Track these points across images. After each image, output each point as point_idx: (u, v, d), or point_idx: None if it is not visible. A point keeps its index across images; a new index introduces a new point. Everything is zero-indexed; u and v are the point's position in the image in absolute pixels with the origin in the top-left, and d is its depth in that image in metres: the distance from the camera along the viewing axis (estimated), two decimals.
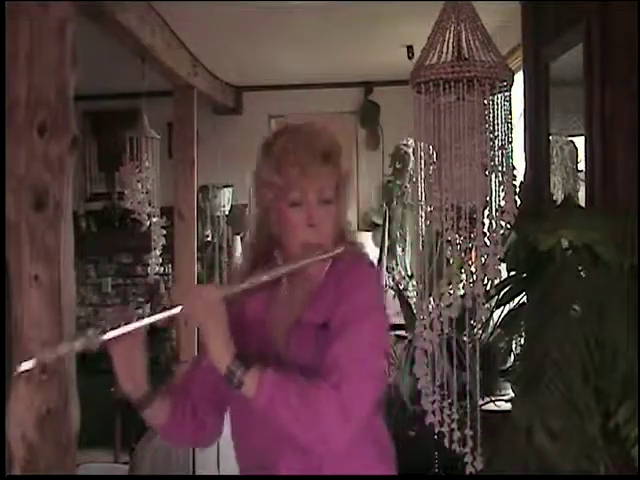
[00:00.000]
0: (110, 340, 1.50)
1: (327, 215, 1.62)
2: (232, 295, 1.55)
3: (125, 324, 1.51)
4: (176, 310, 1.49)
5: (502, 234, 2.20)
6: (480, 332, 3.03)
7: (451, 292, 2.22)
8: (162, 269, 5.36)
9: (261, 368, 1.49)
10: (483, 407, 2.98)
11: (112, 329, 1.50)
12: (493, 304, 2.86)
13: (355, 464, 1.63)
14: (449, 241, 2.18)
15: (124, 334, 1.51)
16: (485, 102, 2.15)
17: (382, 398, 1.77)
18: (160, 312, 1.51)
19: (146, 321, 1.52)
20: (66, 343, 1.59)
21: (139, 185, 4.39)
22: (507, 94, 2.19)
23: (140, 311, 1.55)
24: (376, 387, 1.60)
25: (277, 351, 1.64)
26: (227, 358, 1.48)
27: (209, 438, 1.76)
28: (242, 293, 1.59)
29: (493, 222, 2.18)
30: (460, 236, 2.18)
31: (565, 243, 2.38)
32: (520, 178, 2.67)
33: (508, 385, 3.26)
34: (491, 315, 3.16)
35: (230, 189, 6.21)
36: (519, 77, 3.25)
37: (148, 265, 4.68)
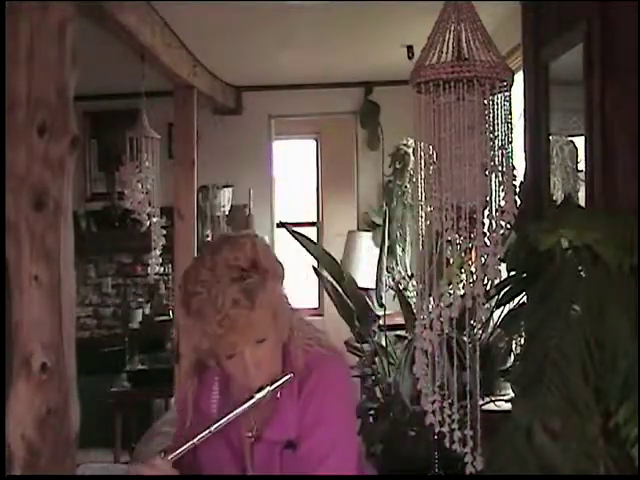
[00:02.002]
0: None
1: (267, 351, 1.57)
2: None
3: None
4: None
5: (502, 234, 2.20)
6: (480, 332, 3.03)
7: (451, 292, 2.21)
8: (162, 269, 5.35)
9: None
10: (483, 407, 2.98)
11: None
12: (493, 304, 2.86)
13: None
14: (449, 241, 2.18)
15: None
16: (485, 102, 2.15)
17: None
18: None
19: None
20: None
21: (139, 185, 4.38)
22: (507, 94, 2.19)
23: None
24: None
25: (243, 462, 1.65)
26: None
27: None
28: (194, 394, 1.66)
29: (493, 222, 2.18)
30: (460, 236, 2.18)
31: (565, 243, 2.38)
32: (520, 178, 2.67)
33: (508, 385, 3.26)
34: (491, 315, 3.16)
35: (230, 189, 6.21)
36: (519, 77, 3.25)
37: (148, 265, 4.67)
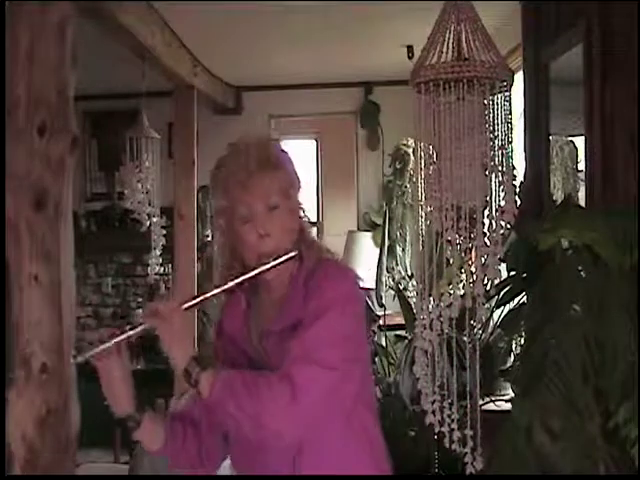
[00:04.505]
0: (95, 361, 1.63)
1: (276, 221, 1.66)
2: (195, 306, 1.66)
3: (100, 343, 1.62)
4: (143, 326, 1.63)
5: (502, 234, 2.20)
6: (480, 332, 3.03)
7: (451, 292, 2.22)
8: (162, 269, 5.35)
9: (216, 368, 1.58)
10: (483, 407, 2.98)
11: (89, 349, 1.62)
12: (493, 304, 2.86)
13: (340, 458, 1.66)
14: (449, 241, 2.18)
15: (102, 353, 1.62)
16: (485, 102, 2.15)
17: (375, 400, 1.82)
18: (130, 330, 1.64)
19: (119, 339, 1.64)
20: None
21: (139, 185, 4.39)
22: (507, 94, 2.19)
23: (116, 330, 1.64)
24: (331, 376, 1.58)
25: (260, 360, 1.70)
26: (184, 360, 1.58)
27: (215, 461, 1.81)
28: (223, 307, 1.78)
29: (493, 222, 2.18)
30: (460, 236, 2.18)
31: (565, 243, 2.38)
32: (520, 178, 2.67)
33: (508, 385, 3.26)
34: (491, 315, 3.16)
35: None
36: (519, 77, 3.25)
37: (148, 265, 4.68)
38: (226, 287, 1.66)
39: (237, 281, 1.66)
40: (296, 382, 1.52)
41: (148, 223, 4.44)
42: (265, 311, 1.73)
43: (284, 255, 1.65)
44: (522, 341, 2.98)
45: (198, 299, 1.66)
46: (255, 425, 1.53)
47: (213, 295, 1.67)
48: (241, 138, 1.73)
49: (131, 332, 1.63)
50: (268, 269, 1.65)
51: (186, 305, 1.64)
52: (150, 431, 1.69)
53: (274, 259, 1.64)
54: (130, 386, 1.71)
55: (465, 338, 2.27)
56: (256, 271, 1.65)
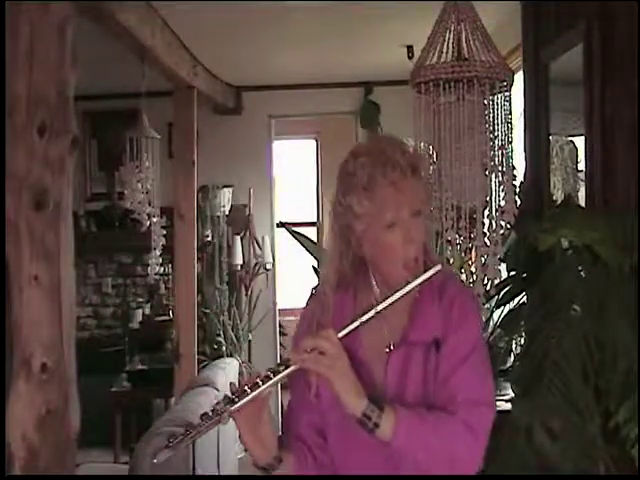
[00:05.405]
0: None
1: (420, 227, 1.60)
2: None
3: (250, 389, 1.50)
4: (293, 367, 1.49)
5: (502, 234, 2.20)
6: None
7: None
8: (162, 269, 5.35)
9: (393, 408, 1.50)
10: None
11: (238, 398, 1.49)
12: (493, 304, 2.86)
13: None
14: (449, 241, 2.18)
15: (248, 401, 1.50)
16: (485, 102, 2.15)
17: None
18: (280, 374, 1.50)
19: (269, 384, 1.50)
20: (197, 425, 1.52)
21: (139, 185, 4.38)
22: (507, 94, 2.19)
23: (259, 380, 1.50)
24: (493, 410, 1.61)
25: (371, 374, 1.62)
26: (361, 404, 1.49)
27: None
28: (329, 312, 1.62)
29: (493, 222, 2.18)
30: (460, 236, 2.18)
31: (565, 243, 2.38)
32: (520, 178, 2.67)
33: (508, 385, 3.26)
34: (491, 315, 3.16)
35: (230, 189, 6.21)
36: (519, 77, 3.25)
37: (148, 265, 4.67)
38: (380, 308, 1.54)
39: (390, 301, 1.54)
40: (471, 425, 1.53)
41: (148, 223, 4.44)
42: (387, 317, 1.60)
43: (428, 269, 1.57)
44: (522, 341, 2.98)
45: (353, 325, 1.53)
46: (446, 467, 1.54)
47: (370, 319, 1.53)
48: (380, 136, 1.65)
49: (277, 378, 1.49)
50: (420, 284, 1.56)
51: (343, 333, 1.52)
52: (284, 464, 1.59)
53: (417, 275, 1.56)
54: (273, 428, 1.59)
55: None
56: (409, 287, 1.54)
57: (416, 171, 1.58)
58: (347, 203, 1.58)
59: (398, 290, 1.55)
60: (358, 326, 1.53)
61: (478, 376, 1.59)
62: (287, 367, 1.50)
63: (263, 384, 1.50)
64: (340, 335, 1.51)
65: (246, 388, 1.50)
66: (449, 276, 1.68)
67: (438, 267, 1.58)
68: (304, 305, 1.75)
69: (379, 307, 1.54)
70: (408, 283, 1.55)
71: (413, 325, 1.62)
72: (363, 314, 1.54)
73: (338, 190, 1.62)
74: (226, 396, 1.51)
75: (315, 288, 1.74)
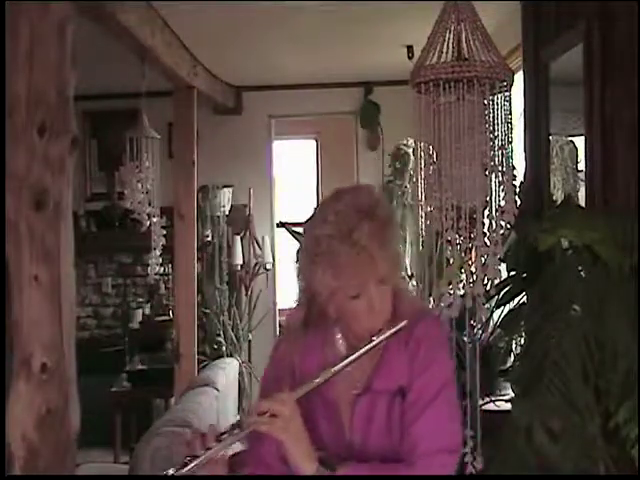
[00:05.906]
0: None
1: (385, 294, 1.58)
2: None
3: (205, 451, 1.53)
4: (248, 430, 1.52)
5: (502, 234, 2.20)
6: (480, 332, 3.03)
7: (451, 292, 2.22)
8: (162, 269, 5.35)
9: (347, 465, 1.52)
10: (483, 407, 2.98)
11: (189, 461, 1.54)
12: (493, 304, 2.86)
13: None
14: (449, 241, 2.18)
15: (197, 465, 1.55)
16: (485, 102, 2.15)
17: None
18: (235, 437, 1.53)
19: (221, 447, 1.53)
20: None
21: (139, 185, 4.38)
22: (507, 94, 2.19)
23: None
24: (457, 453, 1.63)
25: (339, 416, 1.64)
26: (311, 468, 1.51)
27: None
28: (298, 356, 1.64)
29: (493, 222, 2.18)
30: (460, 236, 2.18)
31: (565, 243, 2.38)
32: (520, 178, 2.67)
33: (508, 385, 3.26)
34: (491, 315, 3.16)
35: (230, 189, 6.21)
36: (519, 77, 3.25)
37: (148, 265, 4.67)
38: (338, 368, 1.55)
39: (350, 359, 1.56)
40: (432, 471, 1.55)
41: (148, 223, 4.43)
42: (355, 363, 1.61)
43: (395, 325, 1.58)
44: (522, 341, 2.98)
45: (309, 387, 1.54)
46: None
47: (337, 372, 1.56)
48: (349, 195, 1.57)
49: (234, 438, 1.52)
50: (386, 338, 1.57)
51: (299, 394, 1.53)
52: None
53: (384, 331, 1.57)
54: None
55: (465, 338, 2.27)
56: (372, 344, 1.56)
57: (384, 237, 1.53)
58: (310, 272, 1.57)
59: (361, 347, 1.57)
60: (315, 387, 1.54)
61: (443, 420, 1.59)
62: (242, 430, 1.52)
63: (216, 446, 1.52)
64: (296, 396, 1.52)
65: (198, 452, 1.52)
66: (417, 313, 1.65)
67: (403, 323, 1.58)
68: (276, 341, 1.78)
69: (336, 367, 1.56)
70: (372, 341, 1.57)
71: (378, 374, 1.62)
72: (320, 374, 1.55)
73: (302, 255, 1.60)
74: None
75: (285, 328, 1.75)
